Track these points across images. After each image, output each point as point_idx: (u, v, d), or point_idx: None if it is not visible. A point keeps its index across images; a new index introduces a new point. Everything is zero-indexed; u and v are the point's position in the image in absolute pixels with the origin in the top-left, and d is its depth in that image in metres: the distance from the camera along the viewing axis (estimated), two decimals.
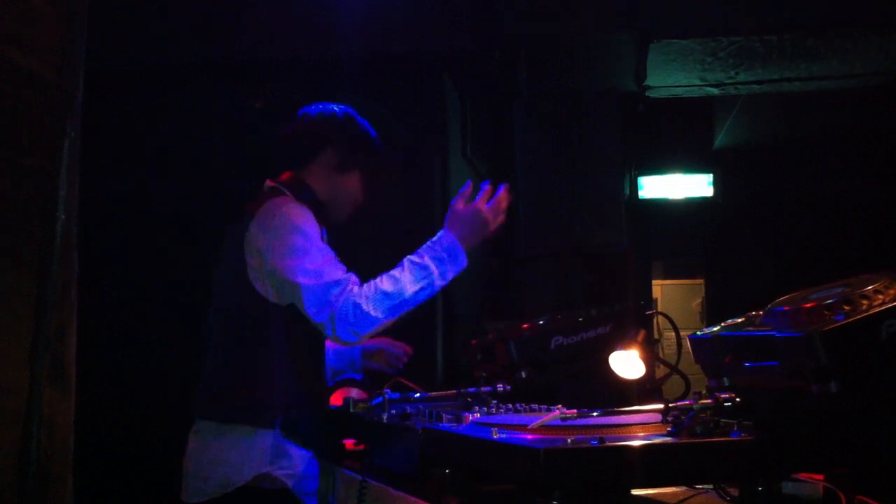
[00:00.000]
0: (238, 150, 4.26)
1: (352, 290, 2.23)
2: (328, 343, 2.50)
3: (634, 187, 7.19)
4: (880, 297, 1.44)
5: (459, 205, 2.41)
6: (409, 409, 2.05)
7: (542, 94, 5.07)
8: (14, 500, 1.16)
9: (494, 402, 2.15)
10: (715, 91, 5.47)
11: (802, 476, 1.54)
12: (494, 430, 1.57)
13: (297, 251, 2.25)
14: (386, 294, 2.24)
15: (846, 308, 1.43)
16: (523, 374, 2.36)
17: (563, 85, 5.11)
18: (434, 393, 2.31)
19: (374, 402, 2.21)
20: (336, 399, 2.63)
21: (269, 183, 2.48)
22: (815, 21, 4.52)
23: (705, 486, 1.63)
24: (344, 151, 2.51)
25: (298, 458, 2.27)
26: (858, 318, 1.40)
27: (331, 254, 2.32)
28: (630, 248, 5.34)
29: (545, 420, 1.57)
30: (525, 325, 2.49)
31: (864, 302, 1.43)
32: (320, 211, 2.43)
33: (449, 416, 1.86)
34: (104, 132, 4.24)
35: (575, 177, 5.06)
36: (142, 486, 3.99)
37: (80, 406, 1.29)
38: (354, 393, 2.57)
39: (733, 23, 4.58)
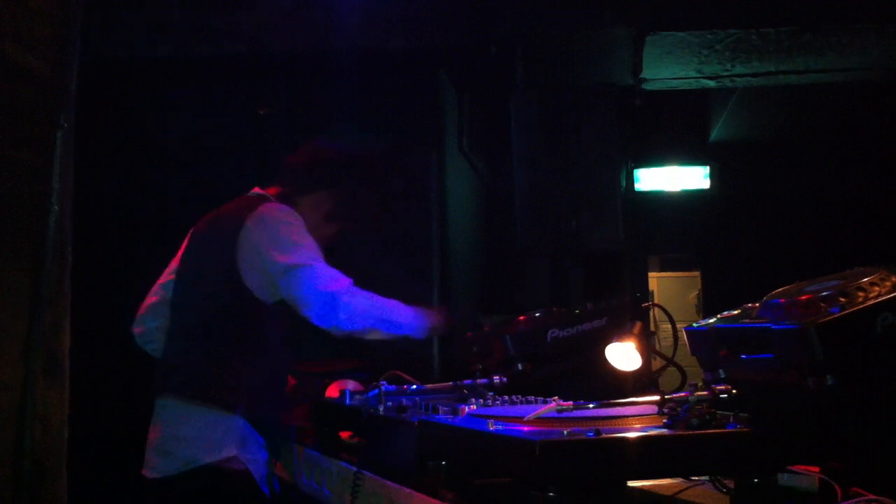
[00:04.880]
0: (233, 145, 4.25)
1: (354, 289, 2.36)
2: None
3: (631, 180, 7.19)
4: (876, 289, 1.44)
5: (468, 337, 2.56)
6: (405, 402, 2.05)
7: (539, 87, 5.06)
8: (8, 495, 1.16)
9: (490, 394, 2.15)
10: (711, 84, 5.45)
11: (798, 468, 1.54)
12: (490, 422, 1.57)
13: (299, 244, 2.39)
14: (376, 307, 2.38)
15: (842, 301, 1.43)
16: (520, 367, 2.36)
17: (560, 79, 5.09)
18: (430, 385, 2.32)
19: (371, 394, 2.21)
20: (332, 391, 2.64)
21: (257, 190, 2.58)
22: (813, 14, 4.51)
23: (701, 478, 1.63)
24: (339, 205, 2.63)
25: (260, 446, 2.37)
26: (854, 311, 1.40)
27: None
28: (626, 242, 5.33)
29: (541, 412, 1.57)
30: (521, 319, 2.49)
31: (860, 294, 1.43)
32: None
33: (445, 409, 1.86)
34: (100, 126, 4.24)
35: (571, 171, 5.06)
36: (137, 481, 3.98)
37: (75, 401, 1.29)
38: (351, 385, 2.58)
39: (730, 15, 4.58)
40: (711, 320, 1.73)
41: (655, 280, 9.21)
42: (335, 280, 2.35)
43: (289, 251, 2.36)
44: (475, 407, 1.91)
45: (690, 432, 1.42)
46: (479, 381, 2.32)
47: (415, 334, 2.47)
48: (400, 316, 2.45)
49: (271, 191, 2.58)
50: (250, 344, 2.39)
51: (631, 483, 1.63)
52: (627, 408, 1.66)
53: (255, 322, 2.39)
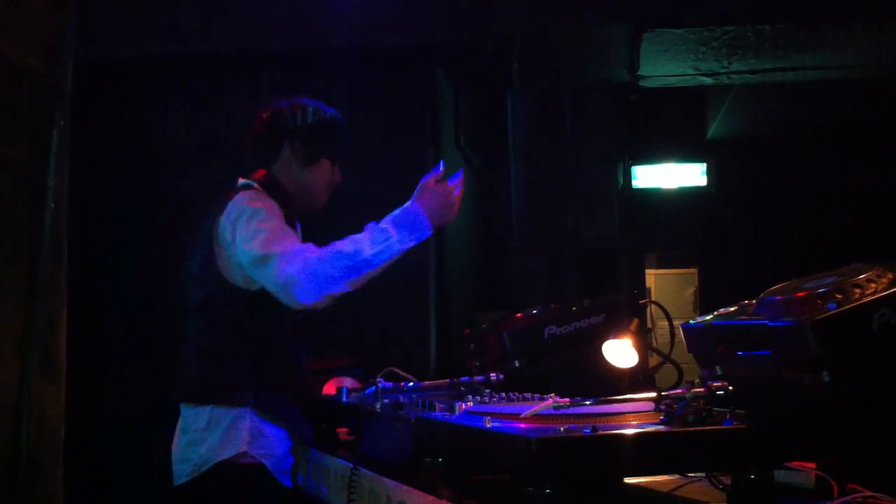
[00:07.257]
0: (229, 142, 4.25)
1: (309, 252, 2.24)
2: None
3: (628, 177, 7.17)
4: (872, 286, 1.44)
5: (431, 181, 2.41)
6: (402, 399, 2.05)
7: (536, 84, 5.06)
8: (4, 493, 1.16)
9: (487, 391, 2.15)
10: (708, 81, 5.46)
11: (794, 464, 1.54)
12: (487, 419, 1.57)
13: (260, 229, 2.29)
14: (344, 254, 2.24)
15: (838, 297, 1.43)
16: (517, 364, 2.36)
17: (557, 75, 5.10)
18: (427, 382, 2.32)
19: (368, 391, 2.21)
20: (329, 388, 2.64)
21: (241, 179, 2.52)
22: (809, 11, 4.52)
23: (698, 475, 1.64)
24: (305, 144, 2.52)
25: (274, 439, 2.32)
26: (850, 308, 1.40)
27: (292, 232, 2.36)
28: (624, 239, 5.34)
29: (538, 409, 1.57)
30: (518, 315, 2.49)
31: (856, 291, 1.44)
32: (292, 205, 2.47)
33: (442, 406, 1.86)
34: (98, 124, 4.23)
35: (568, 167, 5.06)
36: (132, 477, 3.99)
37: (71, 398, 1.29)
38: (348, 382, 2.57)
39: (726, 12, 4.58)
40: (708, 317, 1.73)
41: (653, 277, 9.20)
42: (301, 256, 2.24)
43: (254, 241, 2.28)
44: (472, 404, 1.91)
45: (687, 429, 1.42)
46: (476, 378, 2.32)
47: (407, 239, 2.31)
48: (372, 241, 2.28)
49: (256, 175, 2.51)
50: (248, 335, 2.34)
51: (627, 479, 1.63)
52: (624, 404, 1.66)
53: (247, 313, 2.34)
